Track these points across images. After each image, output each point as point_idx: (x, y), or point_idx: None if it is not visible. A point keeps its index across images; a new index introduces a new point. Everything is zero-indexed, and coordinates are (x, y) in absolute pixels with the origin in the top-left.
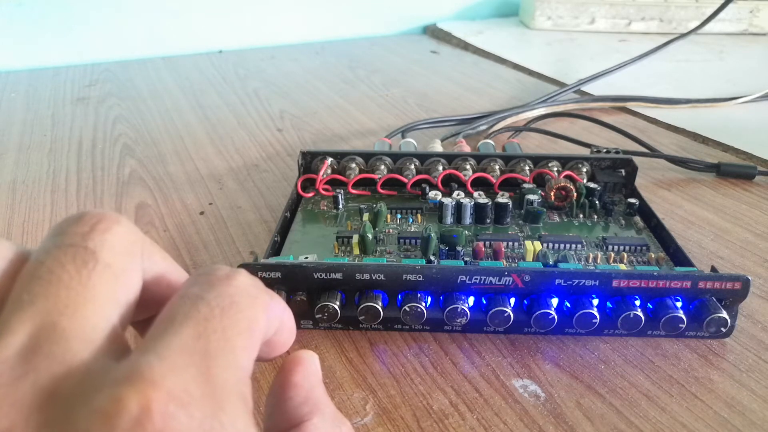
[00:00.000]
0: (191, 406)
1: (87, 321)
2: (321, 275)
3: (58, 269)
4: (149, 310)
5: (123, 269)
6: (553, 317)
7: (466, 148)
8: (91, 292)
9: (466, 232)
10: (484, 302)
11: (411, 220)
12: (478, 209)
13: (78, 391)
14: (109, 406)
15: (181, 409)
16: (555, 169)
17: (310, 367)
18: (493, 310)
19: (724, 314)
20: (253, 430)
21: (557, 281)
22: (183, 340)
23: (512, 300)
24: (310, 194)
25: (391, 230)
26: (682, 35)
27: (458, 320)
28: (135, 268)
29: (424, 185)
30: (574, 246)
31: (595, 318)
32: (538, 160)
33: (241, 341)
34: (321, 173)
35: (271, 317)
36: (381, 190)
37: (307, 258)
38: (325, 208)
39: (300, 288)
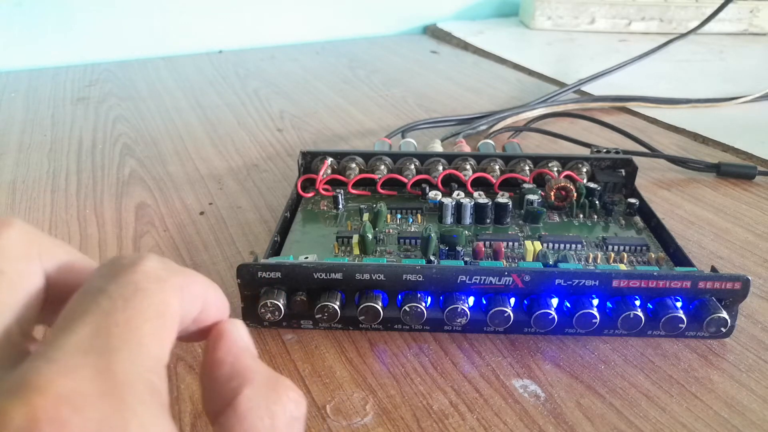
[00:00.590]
0: (86, 408)
1: None
2: (321, 275)
3: None
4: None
5: (18, 274)
6: (553, 317)
7: (466, 148)
8: None
9: (466, 232)
10: (484, 302)
11: (411, 220)
12: (478, 209)
13: None
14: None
15: (75, 413)
16: (555, 169)
17: (231, 338)
18: (493, 310)
19: (724, 314)
20: (165, 422)
21: (557, 281)
22: (79, 338)
23: (512, 300)
24: (310, 194)
25: (391, 230)
26: (682, 35)
27: (458, 320)
28: (33, 271)
29: (424, 185)
30: (574, 246)
31: (595, 318)
32: (538, 160)
33: (150, 329)
34: (321, 173)
35: (187, 298)
36: (381, 190)
37: (307, 258)
38: (325, 208)
39: (300, 288)
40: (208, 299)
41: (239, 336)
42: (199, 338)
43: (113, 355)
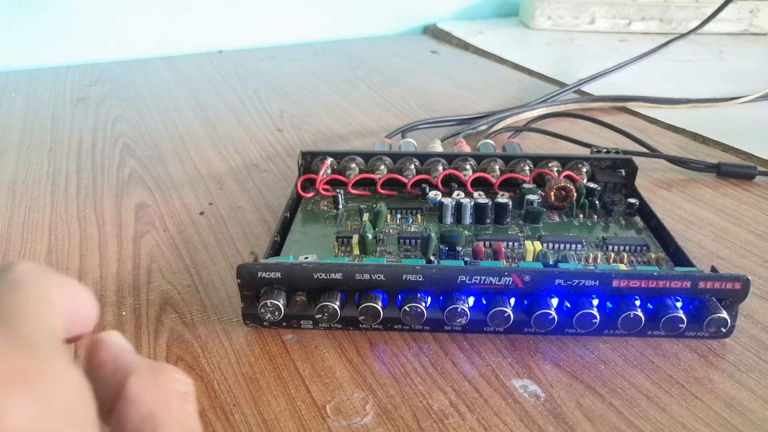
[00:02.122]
0: (1, 361)
1: None
2: (321, 275)
3: None
4: None
5: None
6: (553, 317)
7: (466, 148)
8: None
9: (466, 232)
10: (484, 302)
11: (411, 220)
12: (478, 209)
13: None
14: None
15: None
16: (555, 169)
17: (108, 340)
18: (493, 310)
19: (724, 314)
20: (77, 371)
21: (557, 281)
22: None
23: (512, 300)
24: (310, 194)
25: (391, 230)
26: (682, 35)
27: (458, 320)
28: None
29: (424, 185)
30: (574, 246)
31: (595, 318)
32: (538, 160)
33: (39, 309)
34: (321, 173)
35: (65, 293)
36: (381, 190)
37: (307, 258)
38: (325, 208)
39: (300, 288)
40: (79, 297)
41: (116, 339)
42: (73, 338)
43: (15, 324)
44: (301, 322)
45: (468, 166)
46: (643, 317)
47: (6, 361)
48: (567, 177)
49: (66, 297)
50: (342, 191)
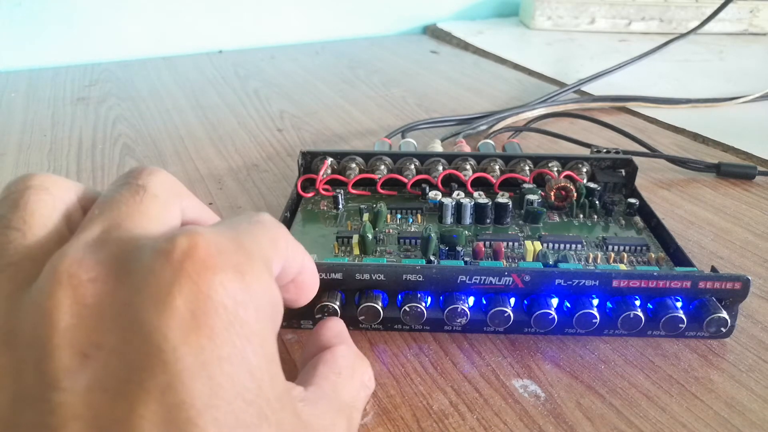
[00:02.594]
0: (226, 252)
1: (141, 226)
2: (321, 275)
3: (117, 196)
4: None
5: (166, 200)
6: (553, 317)
7: (466, 148)
8: (144, 210)
9: (466, 232)
10: (484, 302)
11: (411, 220)
12: (478, 209)
13: (139, 251)
14: (165, 245)
15: (218, 253)
16: (555, 169)
17: (339, 323)
18: (493, 310)
19: (724, 314)
20: (272, 283)
21: (557, 281)
22: (223, 225)
23: (512, 300)
24: (310, 194)
25: (391, 230)
26: (682, 35)
27: (458, 320)
28: (175, 202)
29: (424, 185)
30: (574, 246)
31: (595, 318)
32: (538, 160)
33: (266, 243)
34: (321, 173)
35: (291, 250)
36: (381, 190)
37: None
38: (325, 208)
39: None
40: (305, 264)
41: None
42: (293, 303)
43: (244, 239)
44: (301, 322)
45: (468, 166)
46: (643, 317)
47: (230, 255)
48: (567, 177)
49: (292, 250)
50: (342, 191)
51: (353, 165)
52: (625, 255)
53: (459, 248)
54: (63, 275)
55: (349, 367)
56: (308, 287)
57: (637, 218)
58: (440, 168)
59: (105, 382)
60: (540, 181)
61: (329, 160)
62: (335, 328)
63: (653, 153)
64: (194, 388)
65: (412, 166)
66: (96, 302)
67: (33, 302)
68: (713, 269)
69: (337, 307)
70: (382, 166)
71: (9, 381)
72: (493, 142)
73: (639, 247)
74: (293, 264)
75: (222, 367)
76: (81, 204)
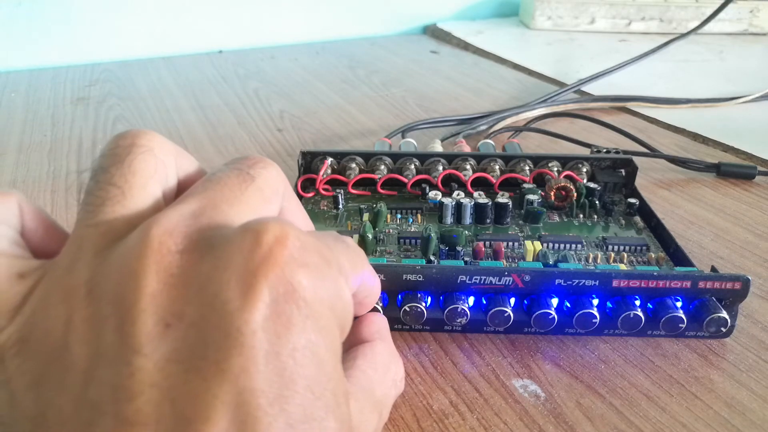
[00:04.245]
0: (311, 251)
1: (238, 212)
2: None
3: (224, 179)
4: None
5: (269, 196)
6: (553, 317)
7: (466, 148)
8: (245, 199)
9: (466, 232)
10: (484, 302)
11: (411, 220)
12: (478, 209)
13: (229, 230)
14: (257, 227)
15: (305, 249)
16: (555, 169)
17: (382, 320)
18: (493, 310)
19: (724, 314)
20: (346, 291)
21: (557, 281)
22: (311, 231)
23: (512, 300)
24: (310, 194)
25: (391, 230)
26: (682, 35)
27: (458, 320)
28: (277, 200)
29: (424, 185)
30: (574, 246)
31: (595, 318)
32: (538, 160)
33: (347, 258)
34: (321, 173)
35: (367, 277)
36: (381, 190)
37: None
38: (325, 208)
39: None
40: (373, 287)
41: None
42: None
43: (326, 245)
44: None
45: (468, 166)
46: (643, 317)
47: (315, 254)
48: (567, 177)
49: (368, 276)
50: (342, 191)
51: (353, 165)
52: (625, 255)
53: (459, 248)
54: (154, 241)
55: (384, 365)
56: (370, 306)
57: (637, 218)
58: (440, 168)
59: (183, 355)
60: (540, 181)
61: (329, 160)
62: (378, 323)
63: (653, 153)
64: (268, 376)
65: (412, 166)
66: (181, 272)
67: (121, 261)
68: (713, 269)
69: (369, 312)
70: (382, 166)
71: (90, 335)
72: (493, 142)
73: (639, 247)
74: (365, 289)
75: (295, 357)
76: (180, 173)
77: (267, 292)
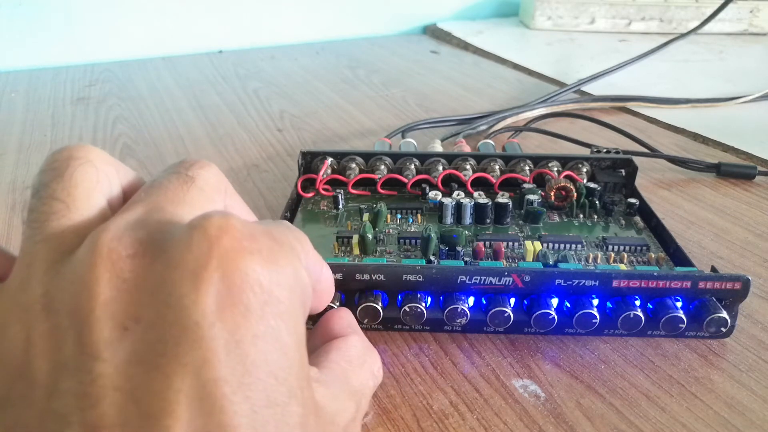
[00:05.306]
0: (259, 237)
1: (183, 212)
2: None
3: (165, 183)
4: None
5: (211, 195)
6: (553, 317)
7: (466, 148)
8: (188, 199)
9: (466, 232)
10: (484, 302)
11: (411, 220)
12: (478, 209)
13: (175, 227)
14: (201, 221)
15: (251, 236)
16: (555, 169)
17: (349, 314)
18: (493, 310)
19: (724, 314)
20: (302, 270)
21: (557, 281)
22: (262, 222)
23: (512, 300)
24: (310, 194)
25: (391, 230)
26: (682, 35)
27: (458, 320)
28: (219, 199)
29: (424, 185)
30: (574, 246)
31: (595, 318)
32: (538, 160)
33: (293, 237)
34: (321, 173)
35: (311, 258)
36: (381, 190)
37: None
38: (325, 208)
39: None
40: (323, 273)
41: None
42: (312, 310)
43: (272, 230)
44: None
45: (468, 166)
46: (643, 317)
47: (263, 240)
48: (567, 177)
49: (312, 257)
50: (342, 191)
51: (353, 165)
52: (625, 255)
53: (459, 248)
54: (103, 249)
55: (360, 357)
56: (325, 295)
57: (637, 218)
58: (440, 168)
59: (142, 355)
60: (540, 181)
61: (329, 160)
62: (347, 318)
63: (653, 153)
64: (229, 365)
65: (412, 166)
66: (134, 277)
67: (73, 273)
68: (713, 269)
69: (336, 308)
70: (382, 166)
71: (50, 348)
72: (493, 142)
73: (639, 247)
74: (312, 272)
75: (256, 344)
76: (121, 183)
77: (219, 282)
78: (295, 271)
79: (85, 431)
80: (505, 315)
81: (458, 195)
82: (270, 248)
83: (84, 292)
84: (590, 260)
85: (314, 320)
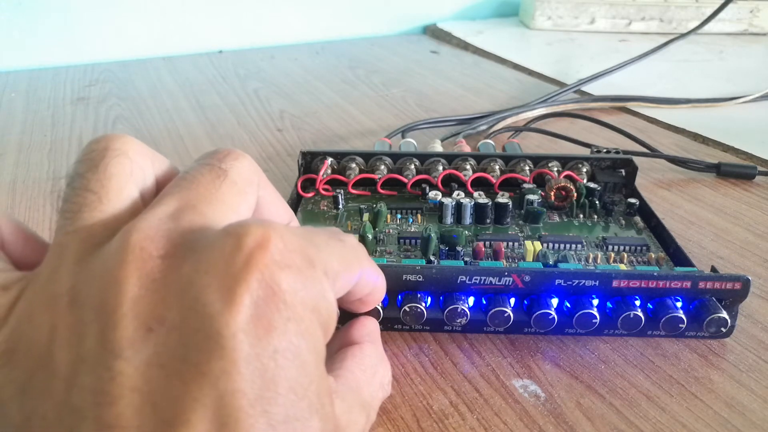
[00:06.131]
0: (294, 253)
1: (215, 211)
2: None
3: (198, 176)
4: None
5: (244, 188)
6: (553, 317)
7: (466, 148)
8: (221, 195)
9: (466, 232)
10: (484, 302)
11: (411, 220)
12: (478, 209)
13: (210, 233)
14: (238, 230)
15: (287, 251)
16: (555, 169)
17: (372, 323)
18: (493, 310)
19: (724, 314)
20: (330, 293)
21: (557, 281)
22: (302, 228)
23: (512, 300)
24: (310, 194)
25: (391, 230)
26: (682, 35)
27: (458, 320)
28: (252, 191)
29: (424, 185)
30: (574, 246)
31: (595, 318)
32: (538, 160)
33: (338, 258)
34: (321, 173)
35: (365, 275)
36: (381, 190)
37: None
38: (325, 208)
39: None
40: (377, 284)
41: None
42: (356, 310)
43: (312, 245)
44: None
45: (468, 166)
46: (643, 317)
47: (297, 256)
48: (567, 177)
49: (367, 274)
50: (342, 191)
51: (353, 165)
52: (625, 255)
53: (459, 248)
54: (135, 247)
55: (372, 366)
56: (373, 303)
57: (637, 218)
58: (440, 168)
59: (163, 358)
60: (540, 181)
61: (329, 160)
62: (368, 326)
63: (653, 153)
64: (249, 378)
65: (412, 166)
66: (162, 277)
67: (102, 268)
68: (713, 269)
69: (363, 316)
70: (382, 166)
71: (73, 341)
72: (493, 142)
73: (639, 247)
74: (365, 287)
75: (276, 359)
76: (155, 173)
77: (248, 295)
78: (322, 292)
79: (100, 428)
80: (505, 315)
81: (458, 195)
82: (301, 266)
83: (112, 288)
84: (590, 260)
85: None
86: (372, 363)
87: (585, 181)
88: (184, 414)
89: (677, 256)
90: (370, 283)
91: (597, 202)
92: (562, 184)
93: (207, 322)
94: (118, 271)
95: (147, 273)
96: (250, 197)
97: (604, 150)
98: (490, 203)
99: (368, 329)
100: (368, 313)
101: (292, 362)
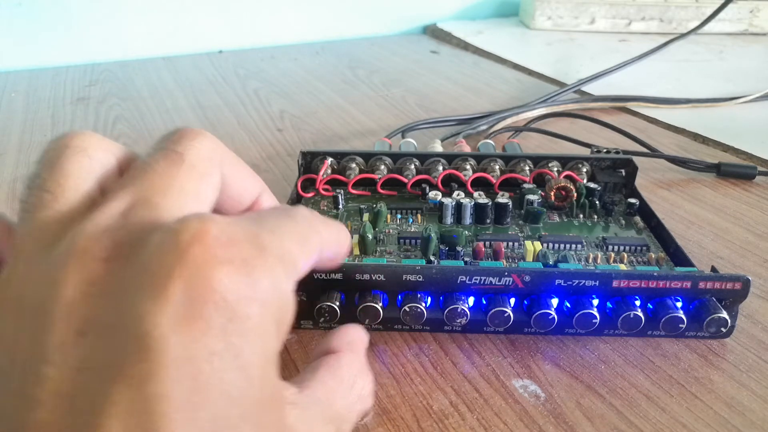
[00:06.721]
0: (237, 244)
1: (173, 201)
2: (321, 275)
3: (153, 164)
4: (226, 210)
5: (205, 171)
6: (553, 317)
7: (466, 148)
8: (178, 183)
9: (466, 232)
10: (484, 302)
11: (411, 220)
12: (478, 209)
13: (155, 228)
14: (174, 227)
15: (228, 243)
16: (555, 169)
17: (357, 332)
18: (493, 310)
19: (724, 314)
20: (285, 282)
21: (557, 281)
22: (250, 216)
23: (512, 300)
24: (310, 194)
25: (391, 230)
26: (682, 35)
27: (458, 320)
28: (215, 172)
29: (424, 185)
30: (574, 246)
31: (595, 318)
32: (538, 160)
33: (293, 238)
34: (321, 173)
35: (326, 241)
36: (381, 190)
37: None
38: (325, 208)
39: (300, 288)
40: (340, 240)
41: (365, 341)
42: (323, 267)
43: (261, 231)
44: (301, 322)
45: (468, 166)
46: (643, 317)
47: (241, 247)
48: (567, 177)
49: (327, 240)
50: (342, 191)
51: (353, 165)
52: (625, 255)
53: (459, 248)
54: (79, 250)
55: (350, 377)
56: (342, 258)
57: (637, 218)
58: (440, 168)
59: (92, 362)
60: (540, 181)
61: (329, 160)
62: (350, 335)
63: (653, 153)
64: (176, 381)
65: (412, 166)
66: (102, 281)
67: (46, 270)
68: (713, 269)
69: (336, 308)
70: (382, 166)
71: (10, 346)
72: (493, 142)
73: (639, 247)
74: (329, 251)
75: (212, 362)
76: (120, 166)
77: (180, 293)
78: (273, 284)
79: None
80: (505, 315)
81: (458, 195)
82: (247, 259)
83: (50, 291)
84: (590, 260)
85: (302, 315)
86: (350, 374)
87: (585, 181)
88: (97, 418)
89: (677, 256)
90: (333, 246)
91: (597, 202)
92: (562, 184)
93: (135, 322)
94: (57, 274)
95: (86, 276)
96: (212, 179)
97: (604, 150)
98: (490, 203)
99: (350, 338)
100: (365, 316)
101: (230, 364)
